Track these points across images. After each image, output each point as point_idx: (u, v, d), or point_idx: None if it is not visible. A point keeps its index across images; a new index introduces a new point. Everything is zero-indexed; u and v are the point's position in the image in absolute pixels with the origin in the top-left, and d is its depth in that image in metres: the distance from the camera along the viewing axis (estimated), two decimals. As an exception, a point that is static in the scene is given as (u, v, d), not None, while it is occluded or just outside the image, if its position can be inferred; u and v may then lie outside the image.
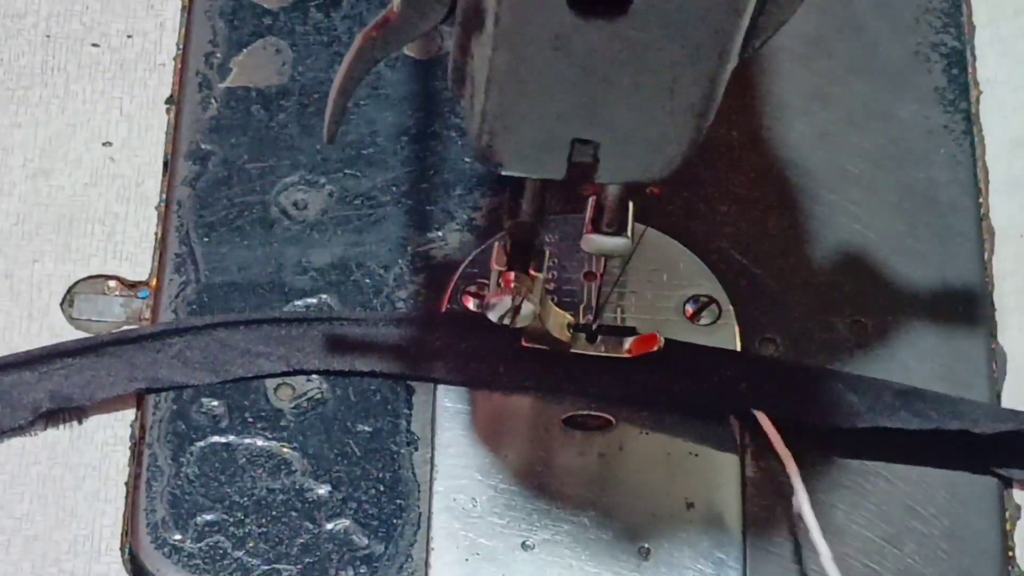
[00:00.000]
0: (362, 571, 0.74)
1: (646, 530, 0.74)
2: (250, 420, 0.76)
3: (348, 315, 0.78)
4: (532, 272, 0.69)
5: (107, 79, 0.83)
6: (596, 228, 0.67)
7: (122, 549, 0.75)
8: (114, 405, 0.77)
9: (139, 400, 0.77)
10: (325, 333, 0.77)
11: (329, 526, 0.74)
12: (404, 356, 0.77)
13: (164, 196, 0.81)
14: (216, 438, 0.76)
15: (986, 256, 0.81)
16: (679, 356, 0.76)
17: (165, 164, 0.82)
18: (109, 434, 0.76)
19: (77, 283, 0.79)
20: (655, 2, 0.54)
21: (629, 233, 0.67)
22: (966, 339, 0.79)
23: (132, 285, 0.80)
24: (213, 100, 0.83)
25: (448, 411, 0.76)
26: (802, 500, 0.72)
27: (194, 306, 0.78)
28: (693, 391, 0.76)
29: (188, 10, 0.85)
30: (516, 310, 0.69)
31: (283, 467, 0.75)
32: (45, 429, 0.76)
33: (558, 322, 0.75)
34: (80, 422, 0.76)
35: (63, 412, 0.76)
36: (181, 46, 0.84)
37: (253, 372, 0.76)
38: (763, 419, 0.75)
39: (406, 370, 0.76)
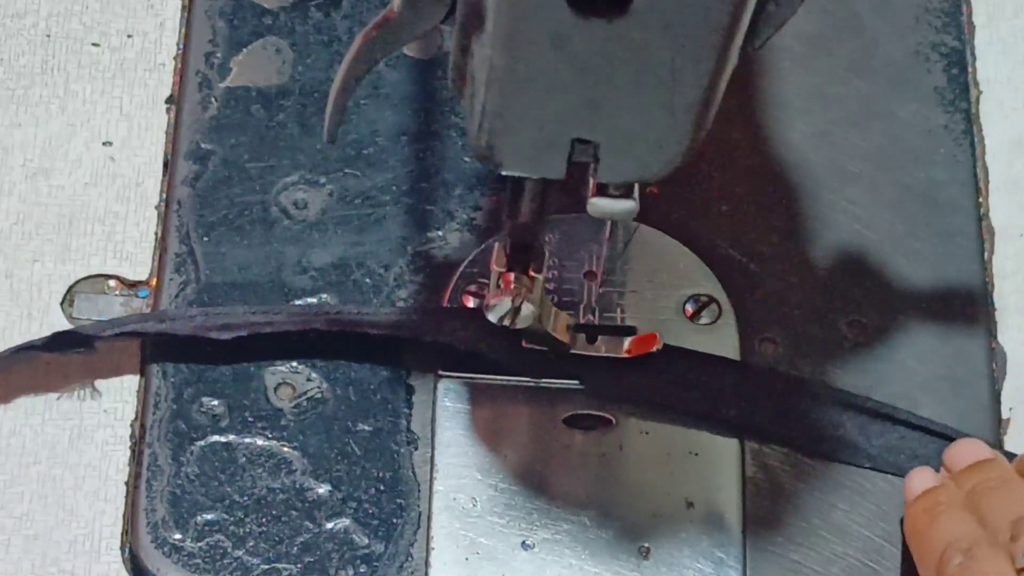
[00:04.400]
0: (362, 570, 0.74)
1: (646, 530, 0.74)
2: (250, 419, 0.76)
3: (350, 309, 0.78)
4: (532, 273, 0.69)
5: (107, 79, 0.83)
6: (602, 192, 0.66)
7: (122, 549, 0.75)
8: (119, 361, 0.77)
9: (143, 391, 0.77)
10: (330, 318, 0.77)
11: (329, 525, 0.74)
12: (409, 327, 0.76)
13: (164, 196, 0.81)
14: (216, 437, 0.76)
15: (986, 256, 0.82)
16: (677, 364, 0.76)
17: (165, 164, 0.82)
18: (109, 434, 0.77)
19: (77, 283, 0.79)
20: (655, 2, 0.54)
21: (636, 196, 0.66)
22: (966, 339, 0.79)
23: (132, 285, 0.80)
24: (213, 100, 0.83)
25: (448, 411, 0.76)
26: None
27: (194, 306, 0.78)
28: (687, 400, 0.76)
29: (188, 10, 0.85)
30: (516, 311, 0.69)
31: (283, 466, 0.75)
32: (61, 351, 0.76)
33: (558, 323, 0.75)
34: (87, 349, 0.76)
35: (73, 336, 0.76)
36: (181, 46, 0.84)
37: (263, 330, 0.76)
38: None
39: (412, 334, 0.76)
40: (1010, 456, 0.75)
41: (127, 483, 0.76)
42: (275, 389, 0.77)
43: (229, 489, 0.75)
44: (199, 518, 0.74)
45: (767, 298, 0.80)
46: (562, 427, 0.76)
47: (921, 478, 0.74)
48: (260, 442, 0.76)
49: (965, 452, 0.74)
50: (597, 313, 0.77)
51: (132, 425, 0.77)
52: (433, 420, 0.76)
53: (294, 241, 0.80)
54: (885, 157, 0.83)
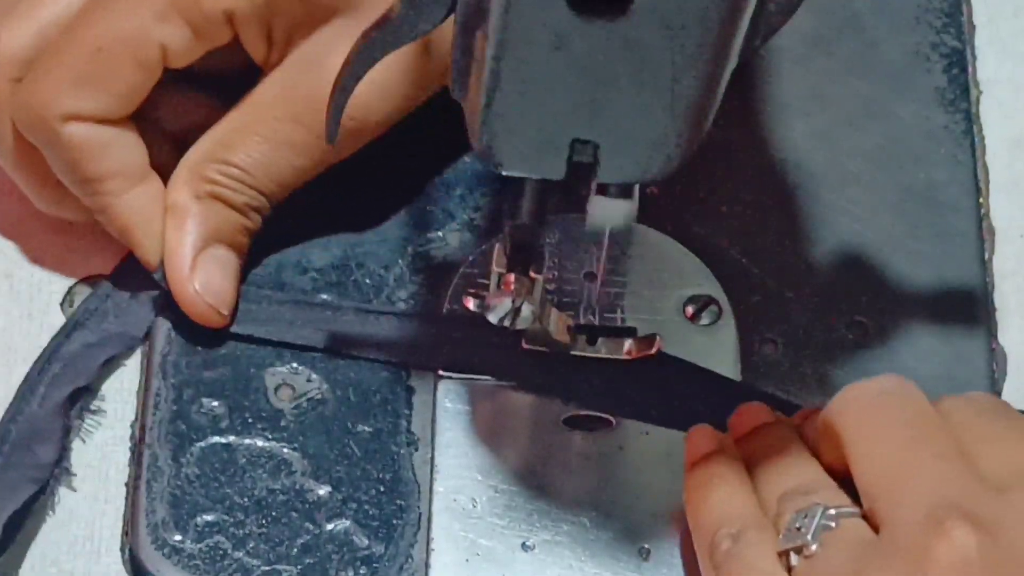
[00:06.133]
0: (362, 571, 0.74)
1: (646, 530, 0.74)
2: (250, 420, 0.76)
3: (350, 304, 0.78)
4: (532, 274, 0.69)
5: (107, 79, 0.83)
6: (601, 192, 0.66)
7: (122, 549, 0.75)
8: (118, 361, 0.77)
9: (143, 396, 0.77)
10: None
11: (329, 527, 0.74)
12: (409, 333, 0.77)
13: (164, 196, 0.81)
14: (216, 438, 0.76)
15: (986, 256, 0.82)
16: (677, 379, 0.76)
17: (165, 164, 0.82)
18: (109, 434, 0.76)
19: (77, 283, 0.79)
20: (655, 2, 0.54)
21: (635, 198, 0.66)
22: (966, 339, 0.79)
23: (132, 285, 0.80)
24: (213, 100, 0.82)
25: (448, 411, 0.76)
26: None
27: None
28: (685, 415, 0.76)
29: (188, 10, 0.85)
30: (516, 312, 0.69)
31: (283, 467, 0.75)
32: None
33: (558, 324, 0.75)
34: None
35: None
36: (181, 46, 0.84)
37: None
38: None
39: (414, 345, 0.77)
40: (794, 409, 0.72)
41: (127, 484, 0.76)
42: (275, 390, 0.77)
43: (229, 490, 0.75)
44: (199, 519, 0.74)
45: (767, 298, 0.80)
46: (562, 427, 0.76)
47: (699, 439, 0.70)
48: (260, 443, 0.76)
49: (746, 417, 0.71)
50: (597, 314, 0.77)
51: (132, 426, 0.77)
52: (433, 421, 0.76)
53: (294, 241, 0.80)
54: (885, 157, 0.83)
